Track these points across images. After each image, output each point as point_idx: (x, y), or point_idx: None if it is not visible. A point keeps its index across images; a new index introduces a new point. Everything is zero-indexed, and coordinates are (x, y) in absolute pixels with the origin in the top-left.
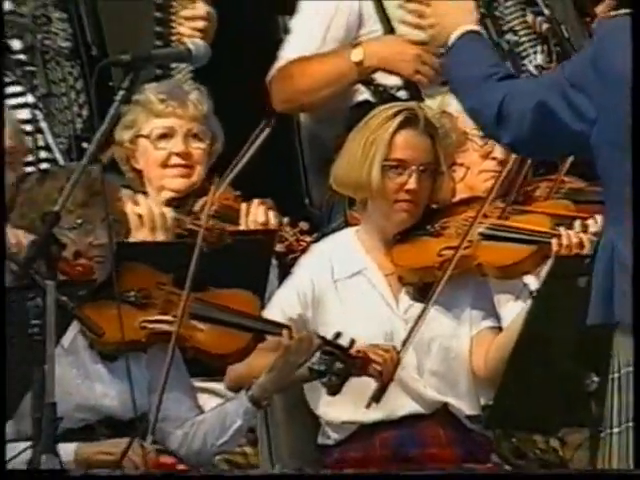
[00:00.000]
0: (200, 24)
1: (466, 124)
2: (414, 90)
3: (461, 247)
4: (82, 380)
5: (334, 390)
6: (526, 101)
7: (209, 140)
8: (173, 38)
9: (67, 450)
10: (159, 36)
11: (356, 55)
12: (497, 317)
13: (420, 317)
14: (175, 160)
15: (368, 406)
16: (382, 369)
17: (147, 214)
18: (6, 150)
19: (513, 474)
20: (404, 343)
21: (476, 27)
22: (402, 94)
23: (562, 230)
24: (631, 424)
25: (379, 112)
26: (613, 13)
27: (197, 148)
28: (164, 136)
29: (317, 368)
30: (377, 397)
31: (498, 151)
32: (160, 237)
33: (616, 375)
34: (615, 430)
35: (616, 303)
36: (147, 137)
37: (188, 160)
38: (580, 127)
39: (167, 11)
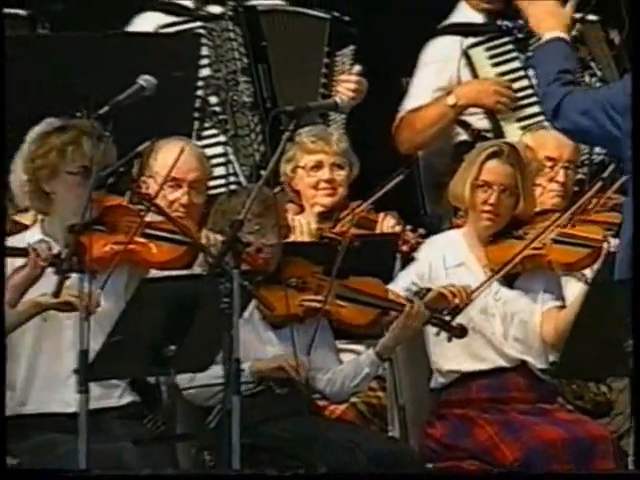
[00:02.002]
0: (352, 86)
1: (540, 155)
2: (498, 132)
3: (529, 247)
4: (257, 342)
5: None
6: (579, 104)
7: (348, 168)
8: (333, 93)
9: (246, 367)
10: (324, 88)
11: (451, 99)
12: (562, 299)
13: (488, 281)
14: (323, 185)
15: (450, 320)
16: (460, 299)
17: (299, 224)
18: (194, 179)
19: (515, 474)
20: (475, 290)
21: (564, 35)
22: (490, 135)
23: (610, 238)
24: None
25: (478, 147)
26: None
27: (339, 175)
28: (315, 167)
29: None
30: (453, 316)
31: (560, 175)
32: (306, 239)
33: None
34: None
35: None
36: (303, 168)
37: (333, 184)
38: (614, 132)
39: (331, 72)
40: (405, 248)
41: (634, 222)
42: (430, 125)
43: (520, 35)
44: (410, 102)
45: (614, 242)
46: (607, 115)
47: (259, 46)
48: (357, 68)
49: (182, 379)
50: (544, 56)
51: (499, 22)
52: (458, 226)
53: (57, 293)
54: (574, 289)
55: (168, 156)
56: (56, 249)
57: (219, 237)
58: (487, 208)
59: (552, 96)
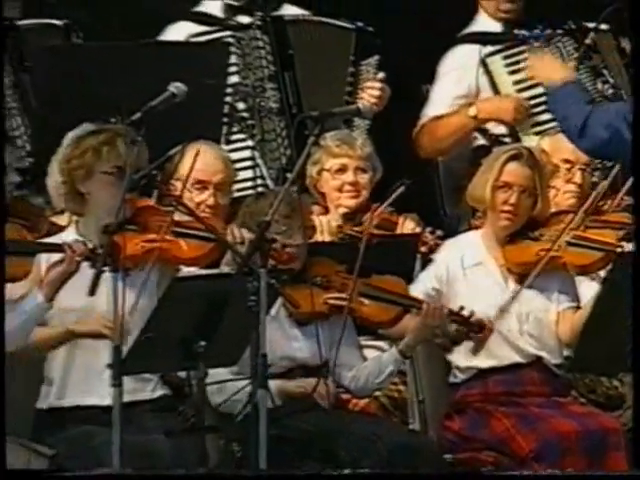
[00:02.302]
0: (375, 93)
1: (556, 158)
2: (515, 138)
3: (548, 254)
4: (283, 339)
5: (447, 349)
6: (603, 118)
7: (371, 172)
8: (357, 100)
9: (274, 386)
10: (349, 96)
11: (472, 111)
12: (577, 299)
13: (516, 294)
14: (347, 187)
15: (475, 352)
16: (482, 335)
17: (319, 223)
18: (219, 180)
19: (519, 475)
20: (502, 310)
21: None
22: (507, 140)
23: (623, 242)
24: None
25: (497, 150)
26: None
27: (362, 178)
28: (340, 170)
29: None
30: (477, 350)
31: (577, 177)
32: (327, 239)
33: None
34: None
35: None
36: (328, 171)
37: (357, 187)
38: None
39: (356, 80)
40: (424, 249)
41: (634, 222)
42: (451, 134)
43: (536, 44)
44: (431, 108)
45: (628, 245)
46: (627, 124)
47: (286, 54)
48: (380, 75)
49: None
50: (563, 95)
51: (516, 31)
52: (476, 227)
53: (93, 290)
54: (588, 288)
55: (197, 159)
56: (90, 246)
57: (245, 232)
58: (507, 208)
59: (576, 115)
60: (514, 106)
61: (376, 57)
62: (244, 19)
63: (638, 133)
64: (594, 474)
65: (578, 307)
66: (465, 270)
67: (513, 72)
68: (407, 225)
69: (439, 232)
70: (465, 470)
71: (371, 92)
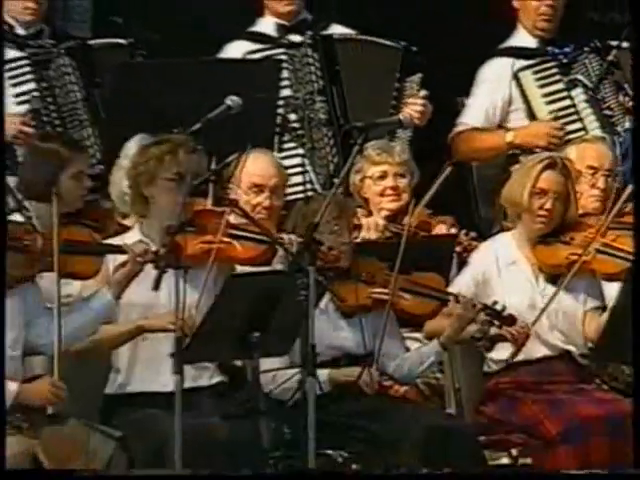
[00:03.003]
0: (418, 109)
1: (580, 165)
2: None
3: (582, 256)
4: (331, 330)
5: (487, 349)
6: None
7: (409, 177)
8: (399, 112)
9: (322, 374)
10: (393, 109)
11: (509, 137)
12: (603, 301)
13: (552, 297)
14: (389, 192)
15: (511, 358)
16: (518, 338)
17: (365, 224)
18: (274, 184)
19: (515, 474)
20: (541, 312)
21: None
22: (538, 149)
23: None
24: None
25: (533, 158)
26: None
27: (402, 183)
28: (380, 177)
29: (477, 336)
30: (513, 356)
31: (601, 182)
32: (373, 237)
33: None
34: None
35: None
36: (370, 178)
37: (397, 191)
38: None
39: (400, 96)
40: (459, 249)
41: (634, 222)
42: (486, 149)
43: (565, 60)
44: (467, 116)
45: None
46: None
47: (333, 70)
48: (423, 93)
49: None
50: None
51: (548, 48)
52: (508, 228)
53: (156, 286)
54: (612, 288)
55: (252, 166)
56: (153, 248)
57: (293, 237)
58: (543, 213)
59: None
60: (547, 131)
61: (419, 75)
62: (295, 38)
63: (638, 136)
64: (594, 474)
65: (604, 308)
66: (500, 269)
67: (543, 86)
68: (444, 227)
69: (473, 234)
70: (465, 470)
71: (414, 107)
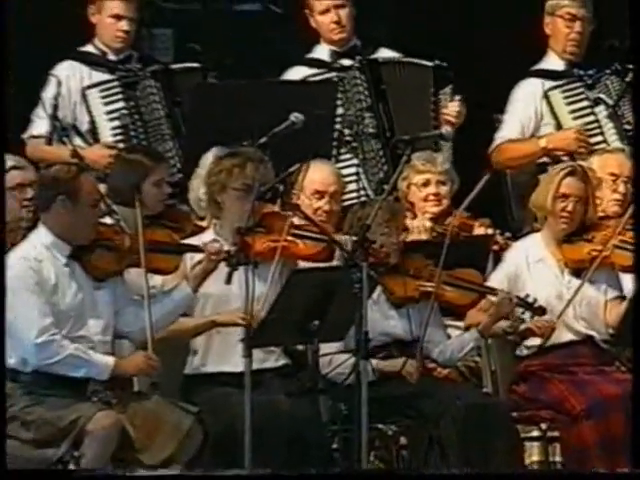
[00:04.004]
0: (455, 112)
1: (602, 173)
2: (571, 156)
3: (603, 251)
4: (382, 319)
5: (517, 343)
6: None
7: (450, 184)
8: (440, 123)
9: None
10: (434, 120)
11: (542, 142)
12: (621, 290)
13: (578, 290)
14: (431, 197)
15: (541, 347)
16: (544, 332)
17: (412, 226)
18: (333, 191)
19: (514, 475)
20: (567, 303)
21: None
22: (565, 158)
23: None
24: None
25: (556, 167)
26: None
27: (443, 189)
28: (424, 184)
29: (509, 331)
30: (542, 345)
31: (621, 187)
32: (419, 237)
33: None
34: None
35: None
36: (415, 184)
37: (438, 197)
38: None
39: (437, 107)
40: (496, 247)
41: (634, 222)
42: (522, 157)
43: (589, 81)
44: (504, 130)
45: None
46: None
47: (380, 89)
48: (458, 97)
49: (323, 361)
50: None
51: (574, 70)
52: (537, 230)
53: (229, 281)
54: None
55: (313, 175)
56: (225, 247)
57: (345, 236)
58: (565, 214)
59: None
60: (576, 137)
61: (450, 86)
62: (346, 62)
63: (638, 135)
64: (595, 474)
65: (623, 297)
66: (529, 265)
67: (570, 103)
68: (482, 228)
69: (508, 234)
70: (465, 470)
71: (453, 109)
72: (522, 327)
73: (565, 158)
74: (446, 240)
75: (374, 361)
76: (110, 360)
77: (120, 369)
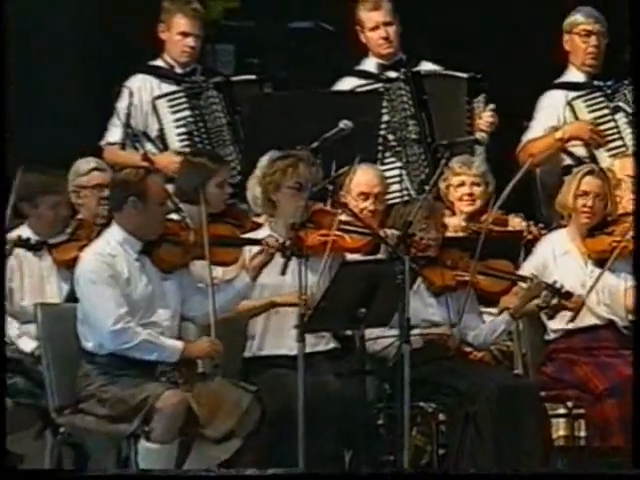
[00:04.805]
0: (488, 120)
1: (621, 174)
2: (592, 159)
3: (620, 246)
4: (422, 306)
5: (550, 317)
6: None
7: (485, 185)
8: (475, 129)
9: (414, 332)
10: (468, 127)
11: (558, 134)
12: None
13: (599, 277)
14: (465, 197)
15: (570, 321)
16: (575, 306)
17: (450, 221)
18: (378, 192)
19: (513, 475)
20: (590, 289)
21: None
22: (587, 160)
23: None
24: None
25: (577, 169)
26: None
27: (477, 190)
28: (460, 185)
29: (541, 305)
30: (572, 319)
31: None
32: (456, 234)
33: None
34: None
35: None
36: (452, 185)
37: (472, 197)
38: None
39: (471, 114)
40: (530, 237)
41: (634, 222)
42: (542, 151)
43: (608, 91)
44: (529, 134)
45: None
46: None
47: (422, 99)
48: (491, 106)
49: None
50: None
51: (595, 82)
52: (563, 226)
53: (283, 272)
54: None
55: (360, 177)
56: (280, 240)
57: (389, 232)
58: (586, 210)
59: None
60: (590, 128)
61: (483, 95)
62: (392, 74)
63: (638, 135)
64: (595, 474)
65: None
66: (556, 258)
67: (591, 111)
68: (515, 223)
69: (541, 225)
70: (467, 469)
71: (486, 119)
72: (554, 302)
73: (587, 160)
74: (482, 235)
75: (417, 330)
76: (179, 344)
77: (188, 352)
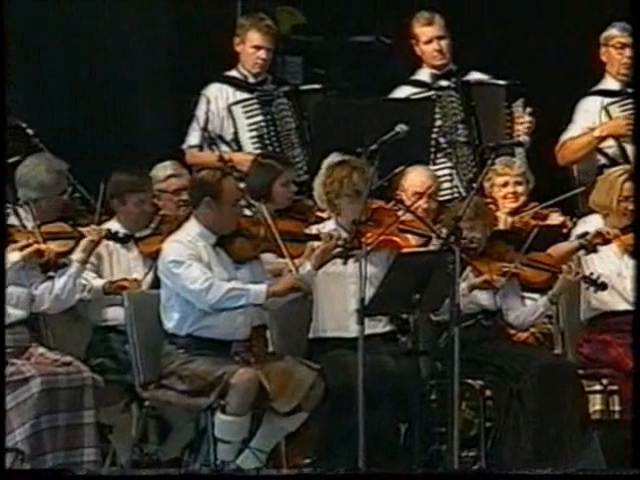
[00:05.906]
0: (527, 124)
1: None
2: (625, 158)
3: None
4: (471, 293)
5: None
6: None
7: (525, 184)
8: (515, 132)
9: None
10: (509, 130)
11: (596, 132)
12: None
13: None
14: (509, 195)
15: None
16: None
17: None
18: (430, 191)
19: (514, 475)
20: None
21: None
22: (620, 160)
23: None
24: None
25: (613, 172)
26: None
27: (519, 189)
28: (503, 184)
29: (584, 243)
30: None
31: None
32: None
33: None
34: None
35: None
36: (496, 185)
37: (515, 195)
38: None
39: (512, 118)
40: (565, 231)
41: (634, 222)
42: (580, 148)
43: None
44: (568, 134)
45: None
46: None
47: (470, 105)
48: (529, 110)
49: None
50: None
51: (628, 90)
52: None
53: (345, 262)
54: None
55: (414, 178)
56: (343, 235)
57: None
58: (626, 212)
59: None
60: (625, 123)
61: (521, 99)
62: (443, 83)
63: (638, 134)
64: (595, 474)
65: None
66: (596, 249)
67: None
68: (554, 218)
69: (577, 220)
70: (468, 469)
71: (524, 124)
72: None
73: (621, 160)
74: (532, 230)
75: (463, 284)
76: (263, 286)
77: (273, 290)
